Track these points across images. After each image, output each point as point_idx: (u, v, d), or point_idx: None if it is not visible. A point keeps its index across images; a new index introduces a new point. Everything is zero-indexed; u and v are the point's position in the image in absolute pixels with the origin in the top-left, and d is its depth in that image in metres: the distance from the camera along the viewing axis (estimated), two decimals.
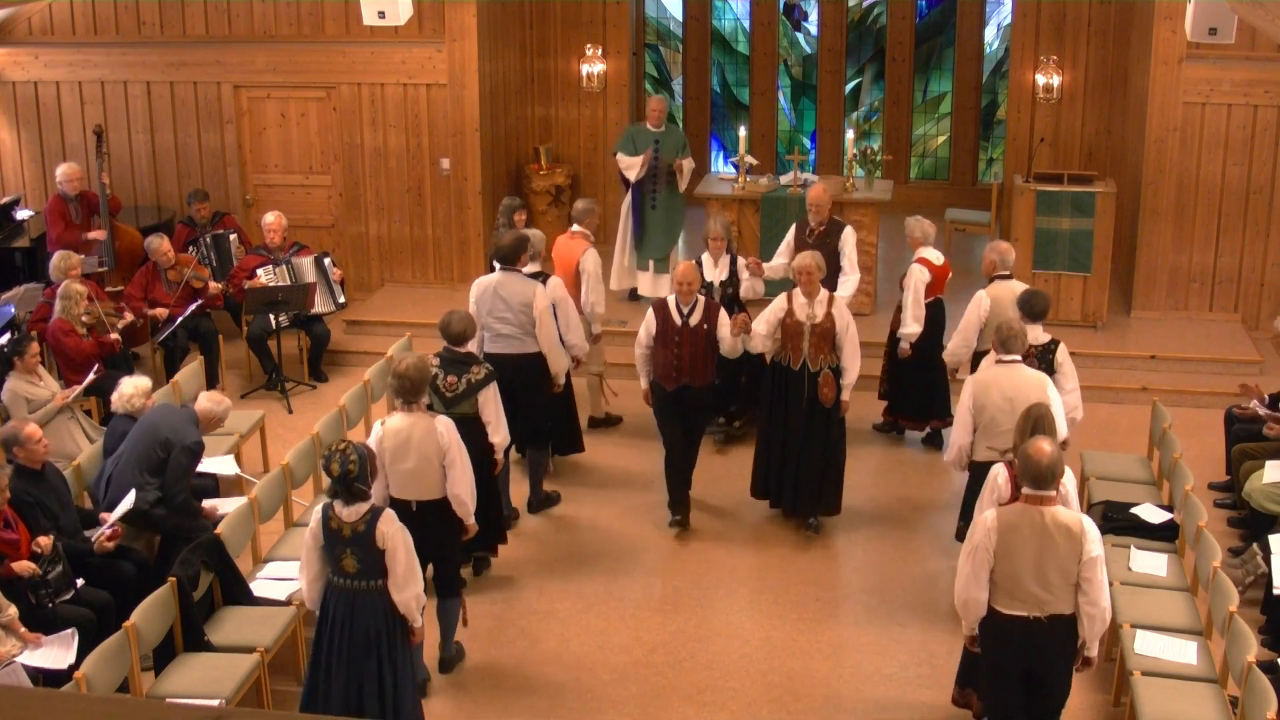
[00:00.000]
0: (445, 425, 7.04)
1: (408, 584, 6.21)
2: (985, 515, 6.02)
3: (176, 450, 7.71)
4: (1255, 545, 7.78)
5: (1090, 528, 5.89)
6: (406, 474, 7.00)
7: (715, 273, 9.53)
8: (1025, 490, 5.91)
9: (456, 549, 7.33)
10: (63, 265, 10.06)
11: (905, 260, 9.98)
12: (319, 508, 6.29)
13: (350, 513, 6.14)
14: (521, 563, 8.54)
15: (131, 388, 8.21)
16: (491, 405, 7.80)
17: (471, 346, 8.04)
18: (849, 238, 9.89)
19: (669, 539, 8.77)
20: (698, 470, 9.01)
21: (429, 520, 6.98)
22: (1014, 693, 6.07)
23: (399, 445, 6.97)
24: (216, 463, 8.63)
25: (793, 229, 10.11)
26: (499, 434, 7.85)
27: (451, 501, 7.07)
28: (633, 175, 11.75)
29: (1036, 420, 6.39)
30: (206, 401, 8.19)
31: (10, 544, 6.85)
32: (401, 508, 6.74)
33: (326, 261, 11.31)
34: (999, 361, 7.54)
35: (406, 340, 10.19)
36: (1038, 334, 8.11)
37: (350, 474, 6.10)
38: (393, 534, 6.16)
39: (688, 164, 11.80)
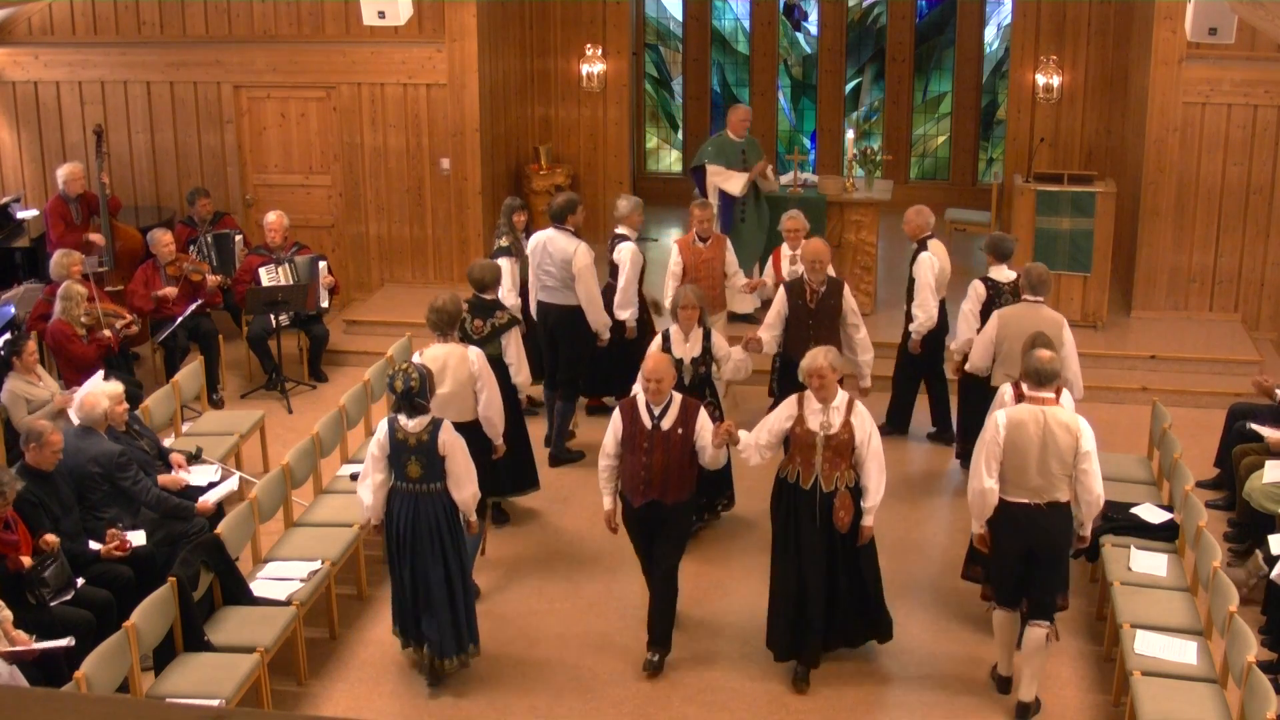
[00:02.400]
0: (477, 354, 7.94)
1: (465, 484, 7.09)
2: (995, 415, 6.97)
3: (114, 475, 7.63)
4: (1258, 551, 7.76)
5: (1084, 426, 6.83)
6: (443, 398, 7.71)
7: (685, 348, 8.25)
8: (1028, 392, 6.97)
9: (482, 473, 7.69)
10: (64, 263, 10.05)
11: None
12: (383, 422, 7.08)
13: (414, 424, 6.97)
14: (521, 563, 8.54)
15: (108, 400, 7.87)
16: (513, 348, 8.57)
17: (508, 297, 8.96)
18: (850, 298, 8.85)
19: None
20: None
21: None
22: (1015, 571, 6.97)
23: (436, 372, 7.60)
24: (203, 472, 8.36)
25: (781, 293, 8.92)
26: (520, 374, 8.61)
27: (483, 423, 7.93)
28: (736, 189, 11.20)
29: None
30: (76, 410, 7.85)
31: (9, 544, 6.85)
32: None
33: (322, 265, 11.30)
34: (1024, 300, 8.53)
35: (406, 340, 10.19)
36: (1003, 272, 9.06)
37: (413, 390, 6.95)
38: (452, 442, 7.03)
39: (768, 170, 11.47)
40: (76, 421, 7.88)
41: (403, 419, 6.98)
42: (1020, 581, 6.99)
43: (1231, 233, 11.62)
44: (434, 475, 7.01)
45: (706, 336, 8.34)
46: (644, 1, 15.10)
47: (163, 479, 8.04)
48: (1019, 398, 7.17)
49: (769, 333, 8.89)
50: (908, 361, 9.82)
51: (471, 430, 7.72)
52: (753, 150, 11.42)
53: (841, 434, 6.98)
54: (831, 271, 9.05)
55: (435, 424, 7.00)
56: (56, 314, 9.64)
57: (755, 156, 11.37)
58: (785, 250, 10.02)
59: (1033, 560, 6.91)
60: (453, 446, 7.02)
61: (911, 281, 9.60)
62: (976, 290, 9.03)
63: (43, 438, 7.25)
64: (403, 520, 7.04)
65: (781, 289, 8.94)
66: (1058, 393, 7.09)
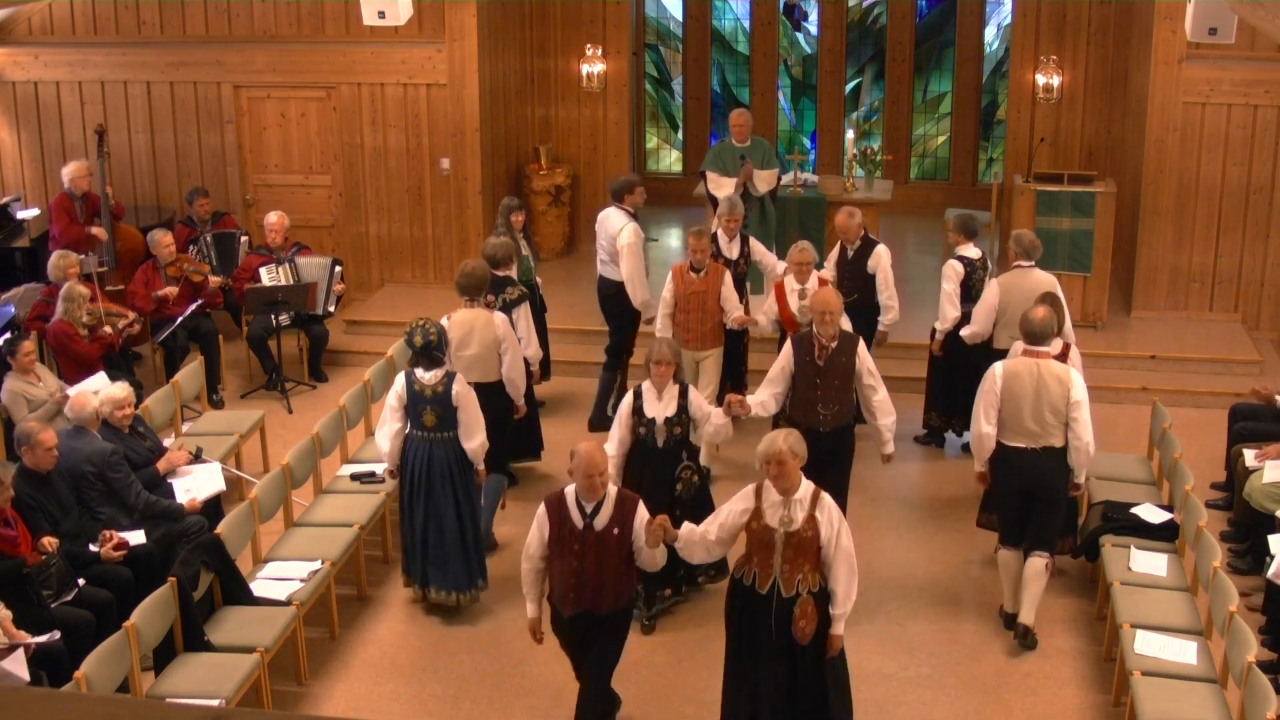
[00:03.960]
0: (501, 319, 8.36)
1: (475, 434, 7.60)
2: (994, 366, 7.50)
3: (106, 474, 7.64)
4: (1268, 561, 7.69)
5: (1076, 377, 7.40)
6: (468, 359, 8.19)
7: (659, 407, 7.53)
8: (1024, 346, 7.50)
9: (504, 432, 8.36)
10: (61, 265, 10.05)
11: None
12: (401, 375, 7.63)
13: (430, 376, 7.51)
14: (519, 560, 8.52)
15: (98, 399, 7.89)
16: (523, 322, 8.87)
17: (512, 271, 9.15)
18: (865, 355, 7.90)
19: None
20: None
21: (485, 400, 7.93)
22: (1016, 510, 7.52)
23: (463, 335, 8.22)
24: (208, 480, 8.30)
25: (787, 348, 7.91)
26: (530, 348, 8.90)
27: (506, 384, 8.35)
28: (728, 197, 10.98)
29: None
30: (67, 410, 7.87)
31: (9, 540, 6.86)
32: None
33: (338, 270, 11.34)
34: (1016, 266, 8.97)
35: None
36: (970, 249, 9.48)
37: (431, 343, 7.52)
38: (464, 393, 7.56)
39: (762, 176, 11.01)
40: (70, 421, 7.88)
41: (419, 372, 7.53)
42: (1021, 521, 7.53)
43: (1231, 233, 11.62)
44: (448, 424, 7.56)
45: (683, 394, 7.55)
46: (644, 1, 15.09)
47: (161, 463, 8.08)
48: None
49: (769, 390, 7.87)
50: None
51: (495, 391, 8.24)
52: (755, 153, 11.16)
53: (804, 531, 6.08)
54: (846, 324, 8.16)
55: (450, 377, 7.56)
56: (58, 315, 9.63)
57: (757, 160, 11.10)
58: (791, 284, 9.19)
59: (1031, 501, 7.47)
60: (465, 398, 7.55)
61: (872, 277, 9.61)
62: (955, 269, 9.41)
63: (33, 438, 7.25)
64: (418, 466, 7.59)
65: (788, 342, 7.97)
66: (1066, 351, 7.75)
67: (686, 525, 6.44)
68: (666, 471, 7.55)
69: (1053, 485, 7.46)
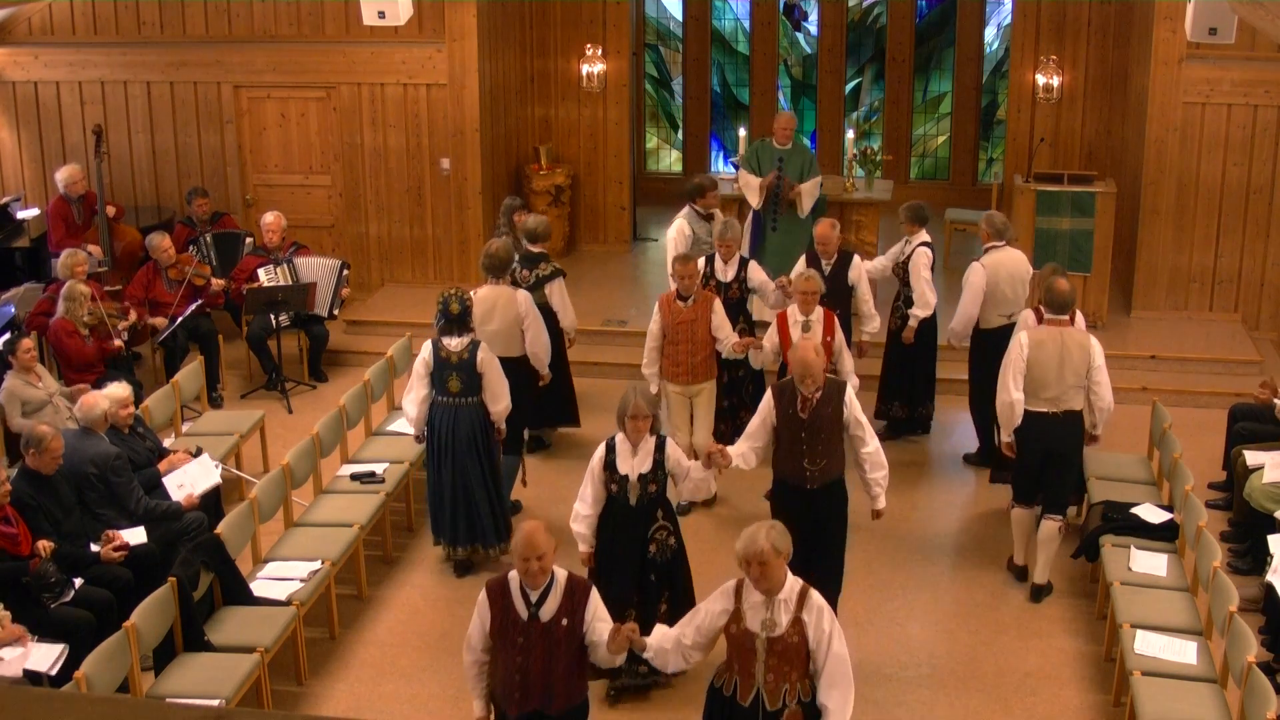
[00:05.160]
0: (524, 296, 8.77)
1: (500, 398, 8.11)
2: (1019, 335, 8.01)
3: (108, 476, 7.64)
4: (1268, 566, 7.69)
5: (1095, 344, 7.93)
6: (491, 334, 8.55)
7: (633, 463, 6.86)
8: (1048, 316, 8.00)
9: (525, 410, 8.71)
10: (69, 263, 10.03)
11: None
12: (427, 344, 8.08)
13: (457, 344, 7.99)
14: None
15: (108, 401, 7.91)
16: (557, 295, 9.38)
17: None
18: (853, 403, 7.22)
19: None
20: None
21: (508, 374, 8.28)
22: (1033, 472, 7.96)
23: (486, 311, 8.61)
24: (201, 474, 8.26)
25: (768, 398, 7.22)
26: (565, 319, 9.43)
27: (530, 357, 8.80)
28: (753, 200, 11.01)
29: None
30: (76, 410, 7.88)
31: (9, 538, 6.86)
32: None
33: (345, 274, 11.33)
34: (992, 248, 9.35)
35: (407, 340, 10.19)
36: (923, 235, 9.72)
37: (467, 309, 8.04)
38: (488, 360, 8.06)
39: (807, 190, 10.87)
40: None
41: (446, 340, 8.01)
42: (1036, 481, 7.98)
43: (1231, 233, 11.61)
44: (471, 390, 8.04)
45: (659, 448, 6.88)
46: (644, 1, 15.09)
47: (163, 465, 8.09)
48: (1040, 321, 8.20)
49: (749, 443, 7.20)
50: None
51: (516, 366, 8.63)
52: (795, 158, 10.93)
53: (789, 636, 5.35)
54: (850, 363, 8.35)
55: (474, 344, 8.04)
56: (59, 313, 9.63)
57: (795, 165, 10.88)
58: (795, 314, 8.66)
59: (1049, 462, 7.91)
60: (489, 364, 8.06)
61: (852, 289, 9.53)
62: (928, 256, 9.64)
63: (43, 443, 7.25)
64: (444, 429, 8.07)
65: (769, 393, 7.27)
66: (1072, 317, 8.16)
67: (658, 631, 5.75)
68: (640, 532, 6.90)
69: (1070, 447, 7.98)
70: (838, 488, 7.27)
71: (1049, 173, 11.72)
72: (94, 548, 7.31)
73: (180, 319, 10.53)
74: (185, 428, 9.42)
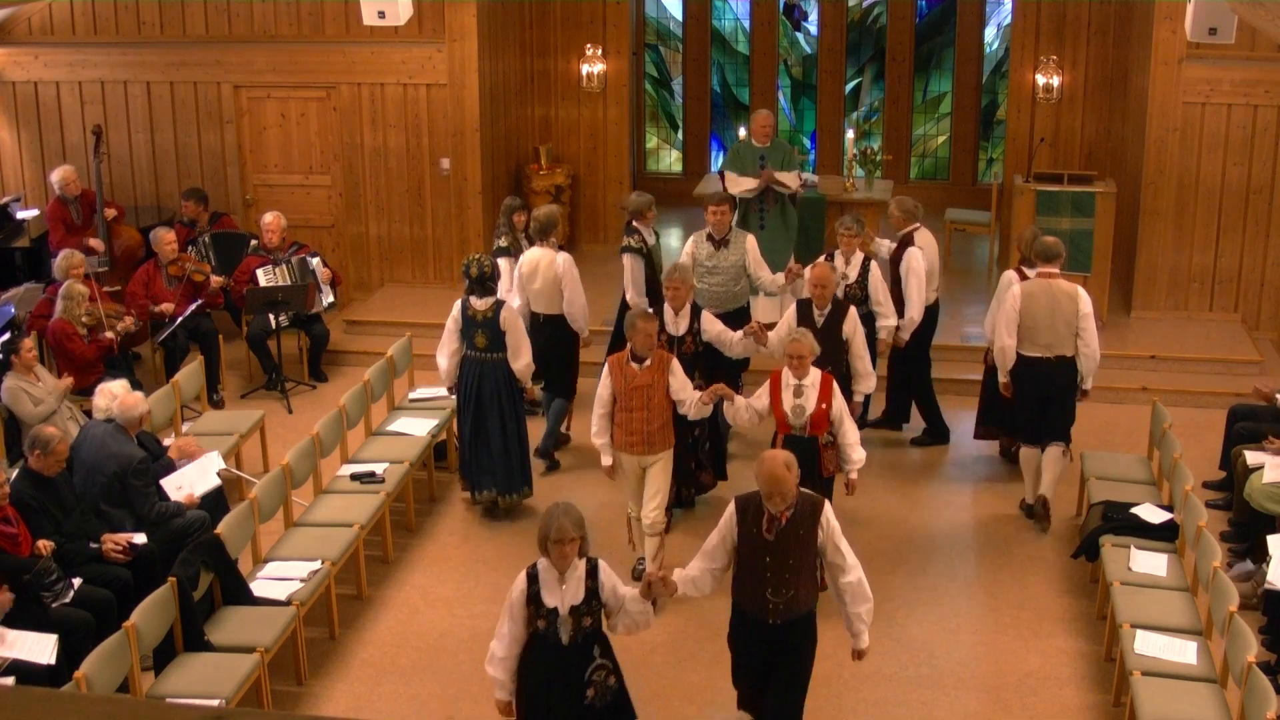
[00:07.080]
0: (564, 258, 9.50)
1: (521, 355, 8.75)
2: (1013, 288, 8.71)
3: (127, 478, 7.65)
4: (1265, 566, 7.71)
5: (1083, 293, 8.64)
6: (535, 292, 9.47)
7: (563, 593, 5.85)
8: (1040, 267, 8.67)
9: (569, 360, 9.59)
10: (65, 265, 10.04)
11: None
12: (457, 303, 8.78)
13: (482, 303, 8.67)
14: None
15: (115, 393, 7.99)
16: (629, 271, 9.66)
17: (508, 297, 9.44)
18: (831, 524, 6.09)
19: (669, 539, 8.74)
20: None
21: (549, 329, 9.47)
22: (1034, 414, 8.74)
23: (531, 271, 9.46)
24: (199, 476, 8.22)
25: (730, 511, 6.08)
26: (631, 292, 9.67)
27: (567, 317, 9.48)
28: (751, 189, 10.90)
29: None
30: (115, 408, 7.89)
31: (9, 538, 6.86)
32: (533, 318, 9.49)
33: (314, 263, 11.21)
34: (910, 232, 9.67)
35: (407, 340, 10.19)
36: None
37: (486, 274, 8.66)
38: (512, 319, 8.74)
39: (785, 176, 10.86)
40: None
41: (473, 299, 8.67)
42: (1037, 421, 8.72)
43: (1231, 233, 11.62)
44: (496, 346, 8.69)
45: (592, 574, 5.81)
46: (644, 1, 15.10)
47: (173, 449, 8.16)
48: (1023, 277, 8.87)
49: (704, 564, 6.09)
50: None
51: (558, 322, 9.47)
52: (775, 154, 10.95)
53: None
54: (853, 433, 7.70)
55: (499, 304, 8.72)
56: (58, 313, 9.63)
57: (776, 161, 10.90)
58: (788, 377, 7.65)
59: (1047, 403, 8.69)
60: (511, 323, 8.70)
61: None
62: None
63: (50, 446, 7.25)
64: (470, 382, 8.75)
65: (731, 506, 6.08)
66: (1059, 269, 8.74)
67: (677, 572, 6.04)
68: (575, 675, 5.77)
69: (1065, 388, 8.71)
70: (805, 624, 6.09)
71: (1049, 173, 11.72)
72: (94, 546, 7.32)
73: (180, 318, 10.54)
74: (185, 428, 9.42)
